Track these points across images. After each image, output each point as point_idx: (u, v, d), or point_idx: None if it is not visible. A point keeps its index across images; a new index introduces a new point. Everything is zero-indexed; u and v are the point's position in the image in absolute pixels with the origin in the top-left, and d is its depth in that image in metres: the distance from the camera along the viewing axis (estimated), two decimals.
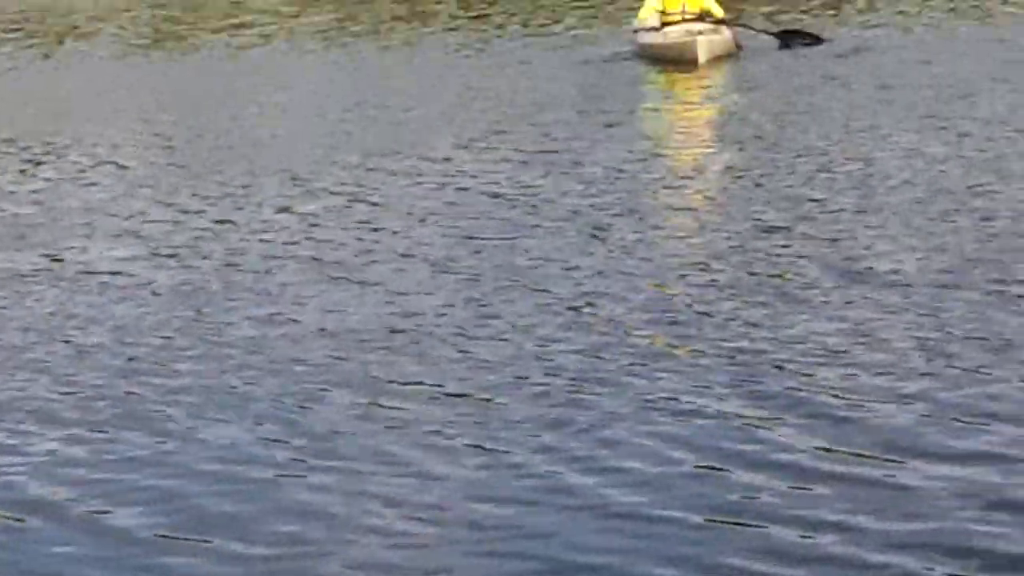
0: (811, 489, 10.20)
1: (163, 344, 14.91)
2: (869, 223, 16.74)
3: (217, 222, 19.53)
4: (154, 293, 16.44)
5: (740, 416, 11.66)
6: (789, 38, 29.97)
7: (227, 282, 17.13)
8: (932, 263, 15.09)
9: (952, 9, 33.65)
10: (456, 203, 19.48)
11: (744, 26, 30.27)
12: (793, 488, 10.29)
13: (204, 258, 17.92)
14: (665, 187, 19.94)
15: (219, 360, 14.21)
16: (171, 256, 17.98)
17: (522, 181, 20.29)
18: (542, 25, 35.40)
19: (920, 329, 13.05)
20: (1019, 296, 13.82)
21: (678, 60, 27.90)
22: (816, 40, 30.20)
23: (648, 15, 27.97)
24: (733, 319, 14.38)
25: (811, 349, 12.80)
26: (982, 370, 11.95)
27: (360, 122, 24.75)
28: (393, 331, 14.62)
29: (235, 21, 40.20)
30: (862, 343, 12.75)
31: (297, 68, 31.56)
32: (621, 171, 20.73)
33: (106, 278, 17.79)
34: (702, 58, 27.49)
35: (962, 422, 10.71)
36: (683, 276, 15.80)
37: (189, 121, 26.36)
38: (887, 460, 10.57)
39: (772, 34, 30.18)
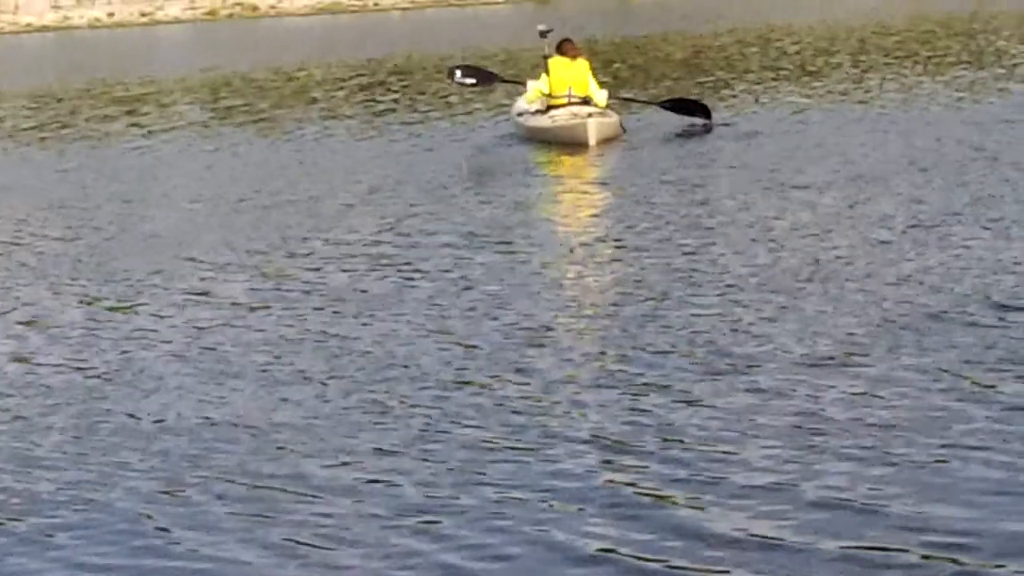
0: None
1: (47, 433, 13.43)
2: (747, 305, 15.71)
3: (112, 309, 18.06)
4: (45, 386, 14.76)
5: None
6: (678, 106, 29.96)
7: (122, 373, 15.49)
8: (812, 345, 14.14)
9: (842, 94, 32.82)
10: (346, 281, 18.25)
11: (629, 100, 30.62)
12: None
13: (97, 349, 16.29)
14: (555, 272, 18.56)
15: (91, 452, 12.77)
16: (68, 343, 16.52)
17: (411, 261, 19.07)
18: (426, 111, 35.31)
19: (798, 414, 12.17)
20: (902, 378, 12.85)
21: (569, 142, 27.78)
22: (705, 111, 30.22)
23: (535, 99, 28.01)
24: (606, 405, 13.18)
25: (680, 436, 11.92)
26: (861, 456, 11.22)
27: (255, 209, 23.59)
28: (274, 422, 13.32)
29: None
30: (736, 430, 11.85)
31: (200, 158, 30.91)
32: (513, 250, 19.62)
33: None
34: (592, 140, 27.00)
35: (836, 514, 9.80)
36: (558, 355, 14.55)
37: (84, 212, 24.73)
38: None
39: (660, 103, 30.21)
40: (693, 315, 15.99)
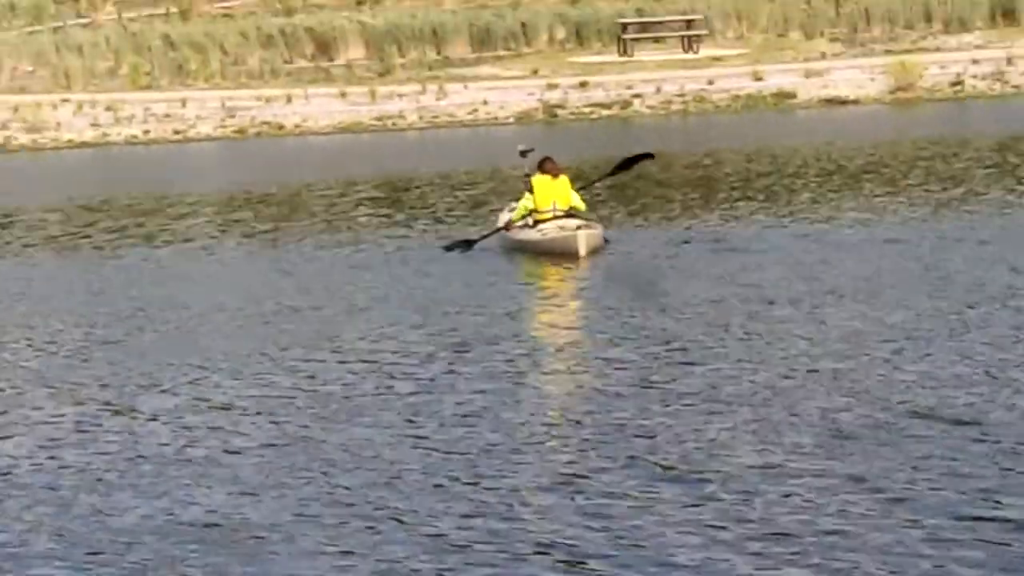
0: None
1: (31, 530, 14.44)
2: (709, 415, 16.88)
3: (109, 411, 19.13)
4: (30, 485, 15.95)
5: None
6: (626, 164, 31.35)
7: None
8: (767, 455, 15.14)
9: (811, 213, 33.52)
10: (355, 385, 19.46)
11: (593, 183, 32.00)
12: None
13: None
14: (533, 380, 19.83)
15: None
16: (61, 444, 17.66)
17: (415, 373, 20.30)
18: (408, 222, 35.58)
19: (752, 522, 13.05)
20: (844, 487, 13.83)
21: (561, 252, 28.16)
22: (647, 155, 31.79)
23: (523, 215, 28.63)
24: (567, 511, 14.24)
25: (639, 542, 12.86)
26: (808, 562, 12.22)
27: (252, 317, 24.92)
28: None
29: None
30: (692, 535, 12.81)
31: (208, 268, 31.18)
32: (495, 359, 20.92)
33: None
34: (583, 251, 27.71)
35: None
36: (527, 463, 15.85)
37: (91, 319, 25.86)
38: None
39: (612, 171, 31.45)
40: (659, 424, 16.67)
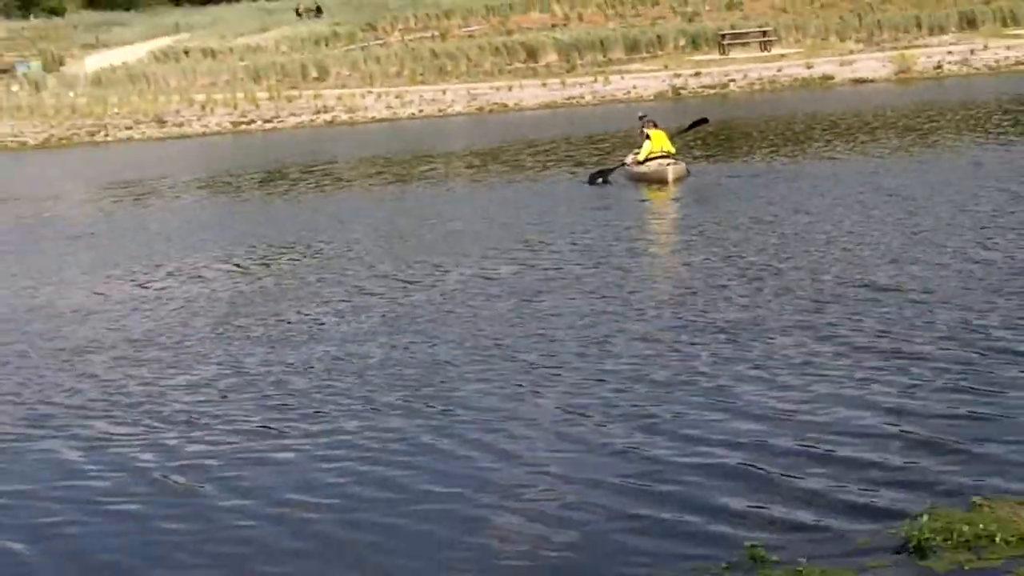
0: None
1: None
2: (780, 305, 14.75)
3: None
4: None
5: None
6: (692, 126, 30.99)
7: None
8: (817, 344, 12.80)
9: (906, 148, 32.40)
10: (502, 276, 18.19)
11: (680, 134, 30.95)
12: None
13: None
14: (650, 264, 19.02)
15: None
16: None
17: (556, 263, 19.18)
18: (582, 161, 35.20)
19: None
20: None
21: (657, 181, 28.14)
22: (704, 120, 31.48)
23: (645, 156, 28.78)
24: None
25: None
26: None
27: (424, 238, 23.15)
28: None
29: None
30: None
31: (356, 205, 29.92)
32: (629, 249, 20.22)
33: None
34: (671, 179, 27.86)
35: None
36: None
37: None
38: None
39: (684, 130, 31.15)
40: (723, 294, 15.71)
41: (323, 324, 15.80)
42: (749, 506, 8.76)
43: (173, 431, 11.67)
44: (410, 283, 18.10)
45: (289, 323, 16.08)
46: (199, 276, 20.47)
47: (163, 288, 19.62)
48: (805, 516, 8.49)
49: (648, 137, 29.12)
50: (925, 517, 8.06)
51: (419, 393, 12.19)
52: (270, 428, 11.51)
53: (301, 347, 14.58)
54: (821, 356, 12.23)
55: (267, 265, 21.43)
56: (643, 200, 26.96)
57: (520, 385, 12.17)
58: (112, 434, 11.76)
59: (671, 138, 29.62)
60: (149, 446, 11.28)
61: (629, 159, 29.68)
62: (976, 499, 8.41)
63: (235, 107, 67.68)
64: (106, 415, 12.43)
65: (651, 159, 28.85)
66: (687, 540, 8.34)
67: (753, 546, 8.01)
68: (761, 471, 9.38)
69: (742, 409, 10.84)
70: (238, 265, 21.50)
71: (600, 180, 29.31)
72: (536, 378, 12.37)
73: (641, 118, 30.75)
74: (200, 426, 11.73)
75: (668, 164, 28.56)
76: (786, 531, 8.31)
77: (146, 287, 19.90)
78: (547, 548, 8.39)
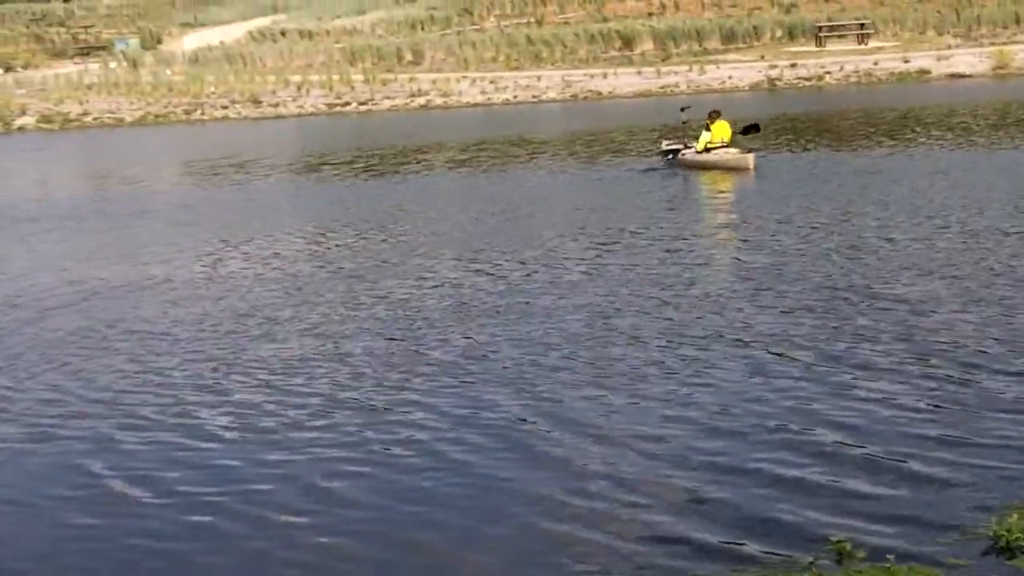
0: None
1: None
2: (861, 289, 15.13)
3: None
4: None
5: None
6: (746, 131, 30.77)
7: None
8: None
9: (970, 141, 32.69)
10: (568, 259, 18.59)
11: (746, 134, 30.80)
12: None
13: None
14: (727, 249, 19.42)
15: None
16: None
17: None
18: (595, 156, 35.64)
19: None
20: None
21: (735, 168, 28.58)
22: (756, 127, 31.40)
23: (704, 144, 29.30)
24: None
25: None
26: None
27: (492, 223, 23.55)
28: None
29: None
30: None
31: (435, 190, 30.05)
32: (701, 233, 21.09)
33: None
34: (751, 167, 28.33)
35: None
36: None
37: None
38: None
39: (748, 131, 30.90)
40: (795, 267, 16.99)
41: (415, 309, 16.05)
42: (835, 502, 8.92)
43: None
44: (495, 271, 18.30)
45: (375, 303, 16.45)
46: (295, 256, 20.69)
47: (248, 266, 20.07)
48: (892, 513, 8.68)
49: (708, 128, 29.67)
50: (1015, 516, 8.03)
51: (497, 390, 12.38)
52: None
53: (374, 333, 14.96)
54: (898, 365, 12.15)
55: (357, 245, 21.76)
56: (720, 191, 27.22)
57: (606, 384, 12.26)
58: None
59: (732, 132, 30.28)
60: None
61: (664, 145, 30.92)
62: None
63: (330, 89, 67.99)
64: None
65: (712, 147, 29.52)
66: (774, 535, 8.42)
67: (839, 541, 8.11)
68: (847, 470, 9.49)
69: (824, 414, 10.87)
70: (335, 245, 21.82)
71: (670, 157, 30.52)
72: (621, 378, 12.44)
73: (683, 110, 31.87)
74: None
75: (747, 152, 29.25)
76: (872, 527, 8.39)
77: (231, 263, 20.42)
78: (628, 540, 8.47)
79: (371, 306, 16.17)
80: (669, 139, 32.22)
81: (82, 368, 13.83)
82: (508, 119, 53.67)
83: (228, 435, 11.17)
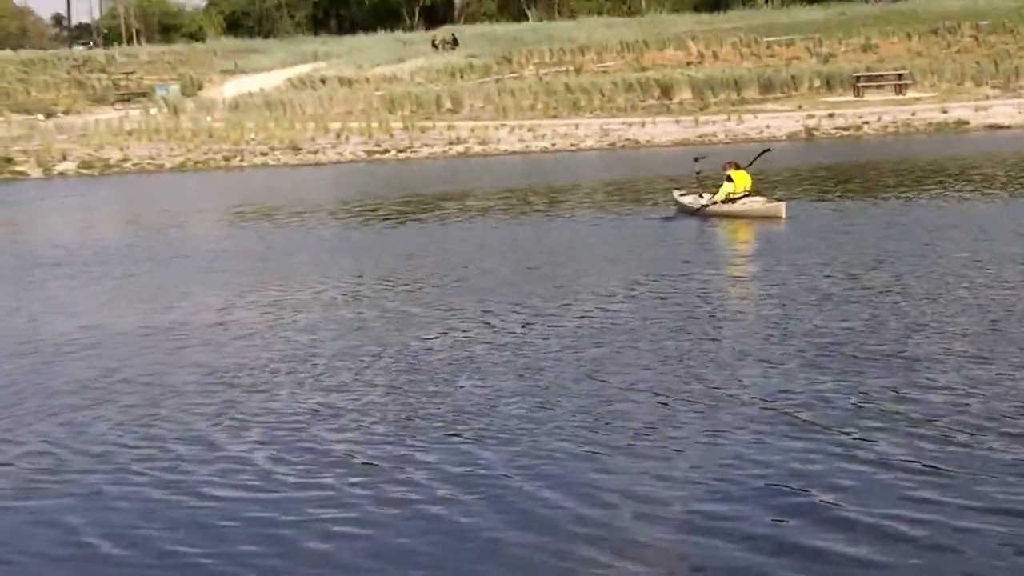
0: None
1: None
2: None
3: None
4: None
5: None
6: (760, 154, 31.45)
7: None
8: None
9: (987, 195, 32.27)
10: (596, 313, 18.08)
11: (751, 164, 30.67)
12: None
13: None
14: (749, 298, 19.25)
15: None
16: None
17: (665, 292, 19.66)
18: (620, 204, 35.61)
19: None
20: None
21: (767, 217, 28.30)
22: (767, 150, 32.64)
23: (725, 194, 29.07)
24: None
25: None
26: None
27: (505, 274, 23.04)
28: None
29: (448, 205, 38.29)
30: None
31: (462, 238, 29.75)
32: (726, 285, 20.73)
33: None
34: (784, 215, 28.05)
35: None
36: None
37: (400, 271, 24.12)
38: None
39: (755, 158, 31.09)
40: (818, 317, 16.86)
41: (438, 356, 15.90)
42: (831, 569, 8.64)
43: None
44: (501, 322, 17.98)
45: (404, 351, 16.22)
46: (311, 304, 20.49)
47: (263, 315, 19.78)
48: None
49: (730, 178, 29.45)
50: None
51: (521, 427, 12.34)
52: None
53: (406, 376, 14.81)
54: (901, 426, 11.86)
55: (372, 294, 21.50)
56: (743, 241, 26.96)
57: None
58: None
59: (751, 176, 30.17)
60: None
61: (705, 197, 30.22)
62: None
63: (369, 136, 68.14)
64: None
65: (735, 198, 29.27)
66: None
67: None
68: (846, 535, 9.19)
69: (823, 476, 10.58)
70: (367, 295, 21.55)
71: (698, 208, 29.97)
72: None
73: (696, 160, 31.81)
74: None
75: (777, 201, 29.21)
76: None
77: (247, 311, 20.14)
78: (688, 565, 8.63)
79: (376, 357, 15.96)
80: (681, 190, 32.18)
81: (72, 419, 13.53)
82: (545, 167, 53.64)
83: (219, 492, 10.86)
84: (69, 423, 13.31)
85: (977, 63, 77.27)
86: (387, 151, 65.56)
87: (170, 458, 11.84)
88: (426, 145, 66.20)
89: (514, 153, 63.37)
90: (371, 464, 11.28)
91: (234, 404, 13.71)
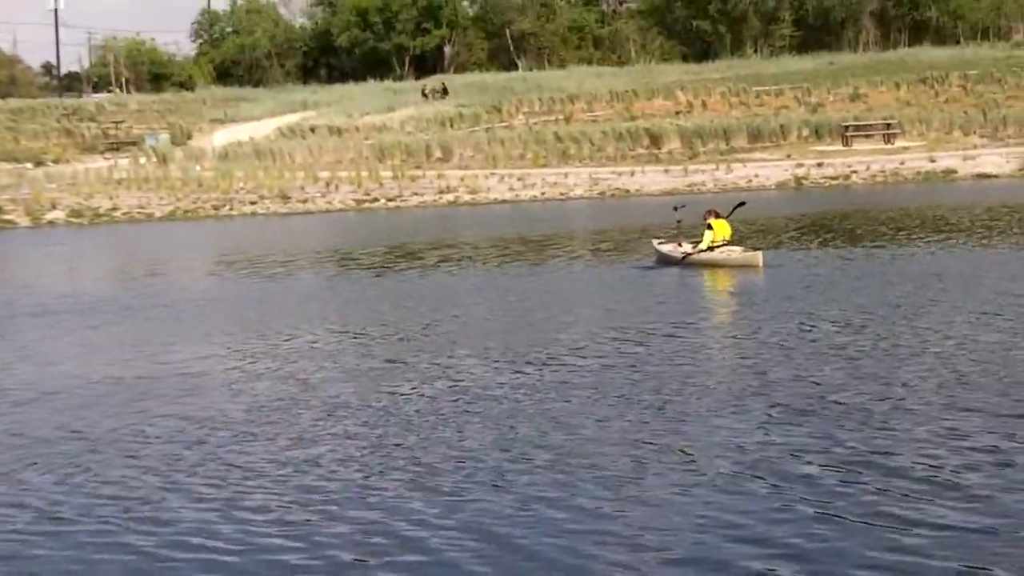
0: None
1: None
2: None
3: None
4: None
5: None
6: (737, 206, 31.45)
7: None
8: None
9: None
10: (574, 364, 17.96)
11: (729, 215, 30.86)
12: None
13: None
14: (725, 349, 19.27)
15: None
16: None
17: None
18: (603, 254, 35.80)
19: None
20: None
21: (744, 266, 28.53)
22: (742, 203, 32.20)
23: (708, 243, 29.27)
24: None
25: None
26: None
27: (479, 325, 23.02)
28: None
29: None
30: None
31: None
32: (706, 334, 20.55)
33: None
34: (761, 264, 28.39)
35: None
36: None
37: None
38: None
39: (734, 208, 31.27)
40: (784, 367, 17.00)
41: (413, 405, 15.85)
42: None
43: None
44: (471, 375, 17.85)
45: (356, 405, 16.13)
46: (289, 354, 20.42)
47: (237, 364, 19.72)
48: None
49: (710, 227, 29.69)
50: None
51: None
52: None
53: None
54: (864, 483, 11.89)
55: (350, 344, 21.46)
56: (721, 290, 26.98)
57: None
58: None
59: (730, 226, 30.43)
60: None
61: (683, 246, 30.44)
62: None
63: (359, 185, 68.16)
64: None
65: (715, 246, 29.55)
66: None
67: None
68: None
69: (778, 539, 10.57)
70: (357, 340, 21.54)
71: (680, 257, 30.11)
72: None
73: (676, 208, 32.05)
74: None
75: (755, 250, 29.43)
76: None
77: (221, 360, 20.06)
78: None
79: (353, 408, 15.91)
80: (661, 239, 32.28)
81: (23, 478, 13.37)
82: (534, 216, 53.65)
83: (178, 554, 10.74)
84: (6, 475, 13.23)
85: (965, 112, 77.59)
86: (376, 200, 65.56)
87: (107, 510, 11.78)
88: (416, 194, 66.22)
89: (504, 202, 63.38)
90: (345, 516, 11.24)
91: (182, 458, 13.59)
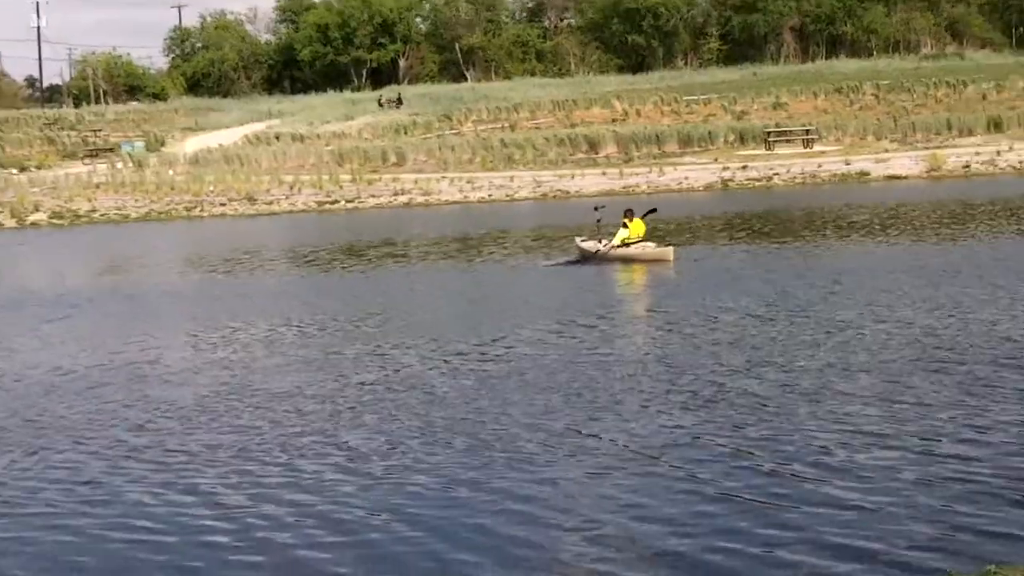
0: None
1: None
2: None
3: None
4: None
5: None
6: (648, 212, 30.80)
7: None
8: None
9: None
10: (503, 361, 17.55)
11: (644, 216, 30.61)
12: None
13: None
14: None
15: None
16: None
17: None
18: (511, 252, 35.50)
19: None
20: None
21: (656, 261, 28.69)
22: (654, 210, 31.39)
23: (622, 239, 29.30)
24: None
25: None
26: None
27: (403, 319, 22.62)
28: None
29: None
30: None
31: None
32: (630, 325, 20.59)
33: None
34: (672, 259, 28.57)
35: None
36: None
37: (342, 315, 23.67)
38: None
39: (646, 213, 30.75)
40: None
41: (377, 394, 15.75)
42: None
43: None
44: (425, 360, 17.91)
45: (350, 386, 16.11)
46: (246, 345, 20.34)
47: (196, 354, 19.64)
48: None
49: (626, 225, 29.91)
50: None
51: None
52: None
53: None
54: (751, 467, 11.82)
55: (301, 336, 21.39)
56: (636, 283, 27.10)
57: None
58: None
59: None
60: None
61: (603, 243, 30.30)
62: None
63: (320, 188, 67.80)
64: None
65: (631, 243, 29.68)
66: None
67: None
68: None
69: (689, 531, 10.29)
70: (314, 332, 21.44)
71: (596, 252, 30.09)
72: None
73: (596, 209, 32.21)
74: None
75: (666, 246, 29.59)
76: None
77: (180, 352, 19.96)
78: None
79: (290, 396, 15.83)
80: (583, 237, 32.28)
81: None
82: (482, 216, 53.51)
83: (117, 534, 10.56)
84: None
85: (878, 120, 77.92)
86: (337, 202, 65.21)
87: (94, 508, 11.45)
88: (373, 196, 65.89)
89: (454, 203, 63.17)
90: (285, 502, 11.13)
91: (126, 443, 13.47)
